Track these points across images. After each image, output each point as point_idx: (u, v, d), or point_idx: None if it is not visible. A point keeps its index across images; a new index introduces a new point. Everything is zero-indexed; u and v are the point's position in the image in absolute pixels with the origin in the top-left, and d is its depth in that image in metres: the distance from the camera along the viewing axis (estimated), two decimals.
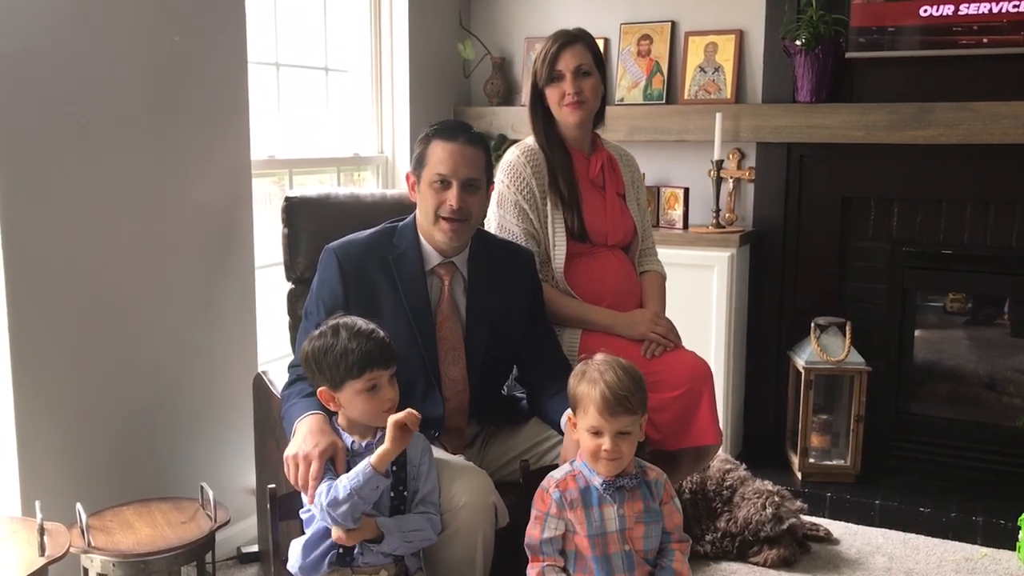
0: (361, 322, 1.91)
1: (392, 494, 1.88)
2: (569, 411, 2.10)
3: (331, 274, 2.15)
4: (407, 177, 2.23)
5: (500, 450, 2.27)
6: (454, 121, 2.25)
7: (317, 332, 1.92)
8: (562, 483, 1.85)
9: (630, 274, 2.60)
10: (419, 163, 2.17)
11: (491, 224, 2.52)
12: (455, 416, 2.21)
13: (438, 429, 2.16)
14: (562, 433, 2.12)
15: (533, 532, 1.85)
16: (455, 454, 2.13)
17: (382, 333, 1.90)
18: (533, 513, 1.86)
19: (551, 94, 2.49)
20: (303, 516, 1.91)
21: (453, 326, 2.19)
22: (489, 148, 2.24)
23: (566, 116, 2.49)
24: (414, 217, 2.23)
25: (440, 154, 2.12)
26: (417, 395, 2.13)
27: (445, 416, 2.17)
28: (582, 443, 1.86)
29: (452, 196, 2.10)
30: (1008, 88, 3.18)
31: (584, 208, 2.49)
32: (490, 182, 2.23)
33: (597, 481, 1.84)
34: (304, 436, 1.89)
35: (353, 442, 1.90)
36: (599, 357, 1.88)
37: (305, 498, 1.87)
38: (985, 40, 3.16)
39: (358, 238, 2.21)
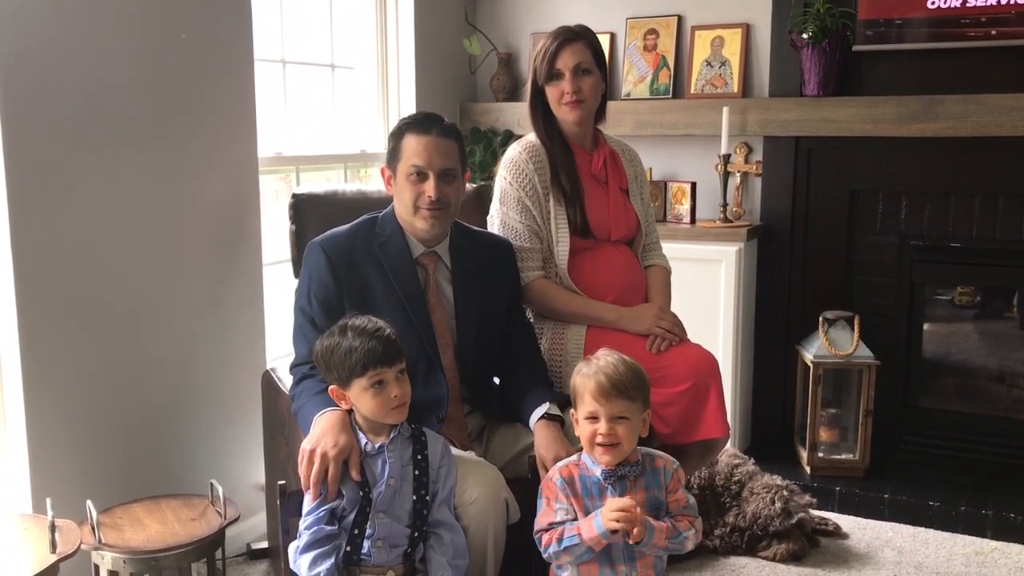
0: (370, 321, 1.91)
1: (414, 497, 1.89)
2: (539, 410, 2.13)
3: (320, 267, 2.16)
4: (382, 171, 2.26)
5: (504, 444, 2.27)
6: (425, 113, 2.27)
7: (328, 331, 1.95)
8: (564, 470, 1.87)
9: (634, 269, 2.60)
10: (393, 157, 2.20)
11: (494, 220, 2.52)
12: (449, 403, 2.20)
13: (442, 411, 2.15)
14: (531, 430, 2.15)
15: (545, 518, 1.85)
16: (464, 449, 2.14)
17: (388, 331, 1.90)
18: (543, 503, 1.87)
19: (550, 92, 2.49)
20: (303, 518, 1.89)
21: (440, 314, 2.21)
22: (461, 137, 2.26)
23: (565, 114, 2.49)
24: (392, 208, 2.25)
25: (415, 146, 2.14)
26: (419, 377, 2.13)
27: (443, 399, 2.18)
28: (581, 432, 1.87)
29: (430, 187, 2.13)
30: (1017, 80, 3.16)
31: (587, 203, 2.49)
32: (465, 170, 2.25)
33: (597, 471, 1.85)
34: (324, 431, 1.89)
35: (367, 443, 1.91)
36: (601, 352, 1.90)
37: (308, 496, 1.88)
38: (993, 32, 3.15)
39: (340, 230, 2.24)
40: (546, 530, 1.84)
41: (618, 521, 1.74)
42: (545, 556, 1.85)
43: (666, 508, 1.87)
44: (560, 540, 1.80)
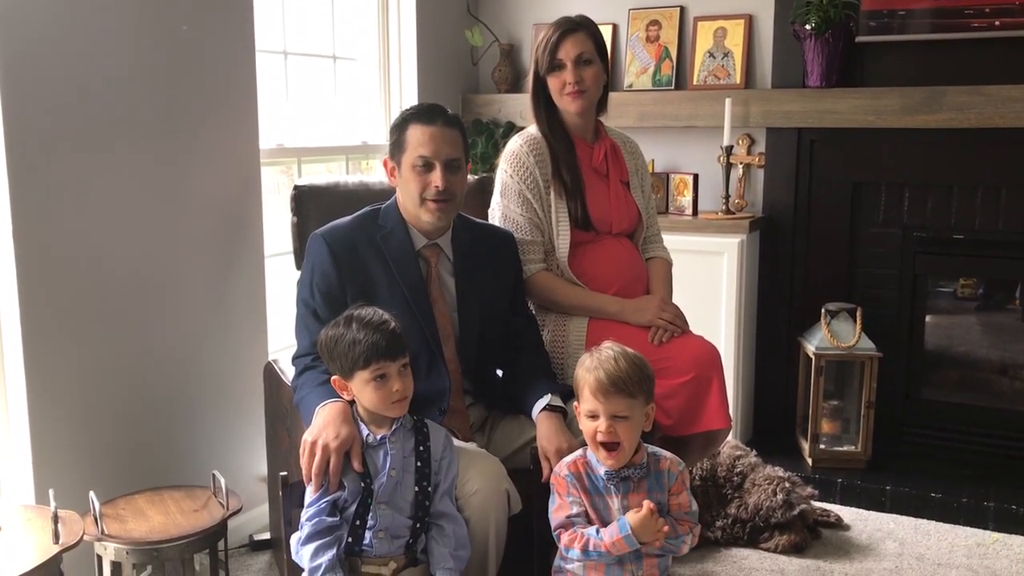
0: (375, 313, 1.92)
1: (416, 489, 1.89)
2: (542, 401, 2.14)
3: (322, 259, 2.16)
4: (385, 163, 2.24)
5: (507, 436, 2.28)
6: (429, 103, 2.26)
7: (333, 321, 1.95)
8: (571, 465, 1.87)
9: (636, 261, 2.60)
10: (397, 148, 2.18)
11: (495, 213, 2.52)
12: (451, 395, 2.21)
13: (443, 404, 2.16)
14: (533, 422, 2.14)
15: (560, 512, 1.85)
16: (465, 441, 2.14)
17: (393, 324, 1.90)
18: (555, 497, 1.87)
19: (552, 83, 2.48)
20: (305, 509, 1.89)
21: (442, 307, 2.21)
22: (464, 128, 2.25)
23: (567, 105, 2.48)
24: (395, 200, 2.24)
25: (420, 137, 2.13)
26: (421, 369, 2.13)
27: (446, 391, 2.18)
28: (583, 428, 1.87)
29: (437, 178, 2.12)
30: (1021, 71, 3.15)
31: (588, 196, 2.49)
32: (468, 161, 2.25)
33: (601, 471, 1.85)
34: (326, 423, 1.90)
35: (369, 435, 1.91)
36: (605, 344, 1.89)
37: (310, 488, 1.88)
38: (997, 23, 3.14)
39: (343, 221, 2.23)
40: (563, 525, 1.84)
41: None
42: (562, 547, 1.86)
43: (667, 509, 1.86)
44: (586, 551, 1.79)
